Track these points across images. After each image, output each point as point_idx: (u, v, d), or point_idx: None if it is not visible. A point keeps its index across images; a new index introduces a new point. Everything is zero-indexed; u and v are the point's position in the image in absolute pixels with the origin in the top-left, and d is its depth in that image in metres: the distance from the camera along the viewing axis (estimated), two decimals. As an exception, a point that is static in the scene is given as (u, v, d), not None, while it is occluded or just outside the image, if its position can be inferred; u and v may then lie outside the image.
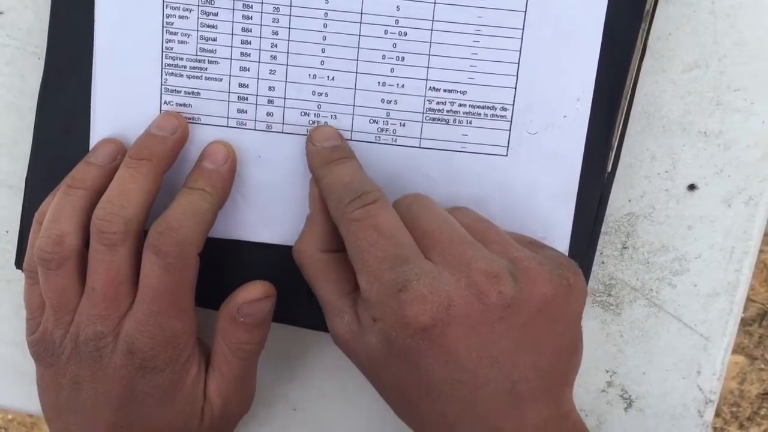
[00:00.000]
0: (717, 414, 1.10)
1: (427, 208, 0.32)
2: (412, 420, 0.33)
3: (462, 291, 0.29)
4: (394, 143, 0.35)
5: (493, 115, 0.35)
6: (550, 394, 0.31)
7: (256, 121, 0.36)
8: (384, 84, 0.35)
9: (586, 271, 0.37)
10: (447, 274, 0.30)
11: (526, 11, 0.34)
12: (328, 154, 0.34)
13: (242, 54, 0.35)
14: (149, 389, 0.34)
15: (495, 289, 0.29)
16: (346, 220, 0.31)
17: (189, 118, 0.35)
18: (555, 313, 0.31)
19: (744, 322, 1.09)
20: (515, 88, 0.35)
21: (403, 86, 0.35)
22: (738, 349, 1.10)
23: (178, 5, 0.34)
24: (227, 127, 0.36)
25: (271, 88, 0.35)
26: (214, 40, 0.35)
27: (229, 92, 0.35)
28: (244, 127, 0.36)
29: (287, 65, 0.35)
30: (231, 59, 0.35)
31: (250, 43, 0.35)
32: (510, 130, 0.35)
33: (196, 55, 0.35)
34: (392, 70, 0.35)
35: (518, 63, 0.35)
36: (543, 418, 0.31)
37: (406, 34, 0.34)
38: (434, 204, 0.33)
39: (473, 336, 0.29)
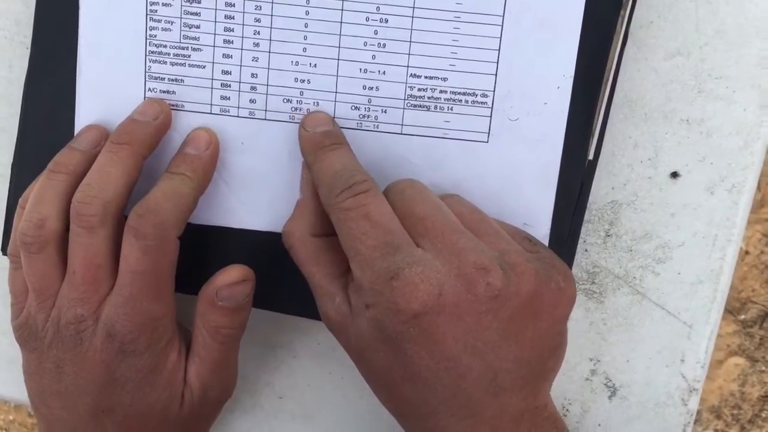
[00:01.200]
0: (718, 416, 1.10)
1: (420, 195, 0.32)
2: (393, 405, 0.33)
3: (452, 280, 0.30)
4: (376, 129, 0.36)
5: (474, 102, 0.35)
6: (528, 386, 0.31)
7: (239, 107, 0.36)
8: (365, 71, 0.35)
9: (569, 258, 0.37)
10: (438, 263, 0.30)
11: (505, -2, 0.34)
12: (319, 140, 0.35)
13: (225, 41, 0.35)
14: (129, 373, 0.34)
15: (484, 281, 0.30)
16: (337, 208, 0.32)
17: (173, 105, 0.36)
18: (540, 311, 0.31)
19: (745, 324, 1.09)
20: (496, 75, 0.35)
21: (384, 73, 0.35)
22: (739, 351, 1.09)
23: (161, -7, 0.35)
24: (210, 113, 0.36)
25: (253, 75, 0.35)
26: (198, 27, 0.35)
27: (212, 79, 0.36)
28: (227, 113, 0.36)
29: (270, 52, 0.35)
30: (214, 46, 0.35)
31: (233, 30, 0.35)
32: (491, 116, 0.35)
33: (180, 42, 0.35)
34: (374, 57, 0.35)
35: (498, 50, 0.35)
36: (520, 409, 0.31)
37: (387, 21, 0.35)
38: (428, 190, 0.33)
39: (460, 325, 0.30)
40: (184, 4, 0.35)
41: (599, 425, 0.40)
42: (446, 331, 0.30)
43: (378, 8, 0.35)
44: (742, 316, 1.09)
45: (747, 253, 1.08)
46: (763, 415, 1.10)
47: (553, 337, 0.32)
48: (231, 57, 0.35)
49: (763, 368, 1.09)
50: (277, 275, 0.37)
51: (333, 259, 0.33)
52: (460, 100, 0.35)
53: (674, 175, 0.38)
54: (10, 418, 1.11)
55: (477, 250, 0.30)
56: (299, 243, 0.34)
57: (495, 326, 0.30)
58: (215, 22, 0.35)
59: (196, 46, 0.35)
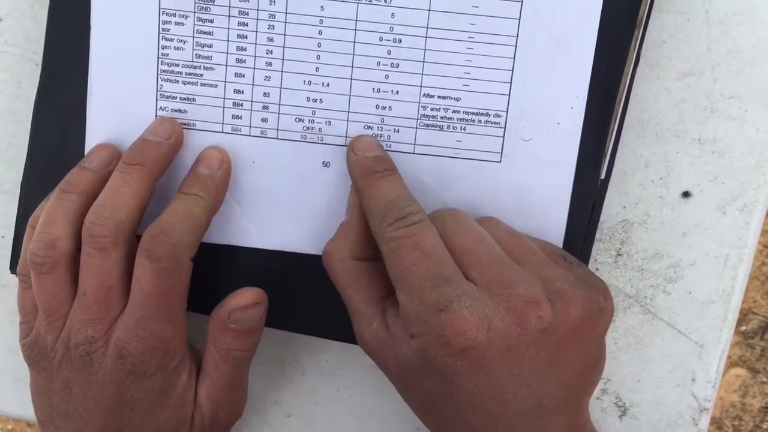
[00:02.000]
0: (719, 427, 1.10)
1: (462, 224, 0.32)
2: (434, 425, 0.33)
3: (502, 314, 0.30)
4: (388, 149, 0.36)
5: (487, 122, 0.35)
6: (571, 405, 0.32)
7: (250, 126, 0.36)
8: (378, 90, 0.35)
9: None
10: (486, 296, 0.30)
11: (520, 19, 0.34)
12: (371, 165, 0.34)
13: (237, 60, 0.35)
14: (139, 395, 0.34)
15: (534, 314, 0.30)
16: (388, 237, 0.32)
17: (184, 124, 0.36)
18: (585, 334, 0.31)
19: (746, 335, 1.09)
20: (509, 95, 0.35)
21: (397, 92, 0.35)
22: (740, 362, 1.09)
23: (174, 12, 0.35)
24: (222, 132, 0.36)
25: (266, 95, 0.35)
26: (210, 46, 0.35)
27: (224, 98, 0.35)
28: (238, 132, 0.36)
29: (282, 71, 0.35)
30: (226, 65, 0.35)
31: (245, 49, 0.35)
32: (504, 136, 0.35)
33: (192, 61, 0.35)
34: (387, 76, 0.35)
35: (512, 70, 0.35)
36: (563, 428, 0.32)
37: (400, 41, 0.35)
38: (468, 219, 0.33)
39: (508, 357, 0.30)
40: (196, 23, 0.35)
41: (610, 445, 0.40)
42: (494, 363, 0.30)
43: (391, 28, 0.34)
44: (743, 328, 1.09)
45: (747, 263, 1.08)
46: (764, 426, 1.10)
47: (594, 354, 0.33)
48: (243, 76, 0.35)
49: (764, 379, 1.09)
50: (287, 294, 0.37)
51: (372, 283, 0.33)
52: (473, 120, 0.35)
53: (686, 194, 0.38)
54: (9, 427, 1.11)
55: (525, 283, 0.31)
56: (339, 265, 0.34)
57: (542, 355, 0.31)
58: (228, 41, 0.35)
59: (209, 65, 0.35)
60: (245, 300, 0.34)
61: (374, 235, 0.33)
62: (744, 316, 1.09)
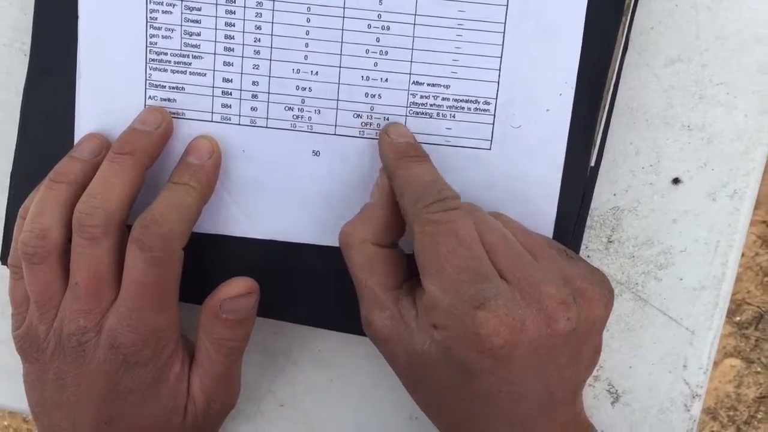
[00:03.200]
0: (714, 418, 1.10)
1: (483, 220, 0.32)
2: (442, 419, 0.33)
3: (534, 316, 0.30)
4: (378, 137, 0.36)
5: (476, 109, 0.35)
6: (575, 396, 0.33)
7: (240, 115, 0.36)
8: (367, 78, 0.35)
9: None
10: (519, 296, 0.30)
11: (507, 5, 0.34)
12: (405, 149, 0.34)
13: (226, 49, 0.35)
14: (132, 384, 0.34)
15: (564, 316, 0.30)
16: (425, 219, 0.31)
17: (173, 113, 0.36)
18: (599, 329, 0.32)
19: (740, 326, 1.09)
20: (498, 82, 0.35)
21: (386, 80, 0.35)
22: (734, 352, 1.10)
23: (161, 0, 0.35)
24: (212, 121, 0.36)
25: (254, 83, 0.35)
26: (198, 35, 0.35)
27: (213, 87, 0.35)
28: (228, 121, 0.36)
29: (271, 60, 0.35)
30: (215, 54, 0.35)
31: (233, 38, 0.35)
32: (493, 123, 0.35)
33: (180, 50, 0.35)
34: (375, 64, 0.35)
35: (501, 57, 0.35)
36: (566, 419, 0.32)
37: (389, 29, 0.35)
38: (487, 215, 0.33)
39: (534, 357, 0.30)
40: (184, 11, 0.35)
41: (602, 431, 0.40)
42: (520, 362, 0.30)
43: (380, 15, 0.34)
44: (738, 318, 1.09)
45: (742, 255, 1.08)
46: (759, 416, 1.10)
47: (597, 346, 0.33)
48: (232, 65, 0.35)
49: (759, 369, 1.10)
50: (278, 284, 0.37)
51: (389, 270, 0.33)
52: (463, 108, 0.35)
53: (676, 181, 0.38)
54: (5, 423, 1.11)
55: (554, 284, 0.31)
56: (357, 247, 0.33)
57: (566, 353, 0.31)
58: (216, 29, 0.35)
59: (197, 54, 0.35)
60: (237, 289, 0.34)
61: (407, 216, 0.32)
62: (738, 306, 1.09)
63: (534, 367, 0.30)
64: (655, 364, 0.39)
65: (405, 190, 0.32)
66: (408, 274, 0.33)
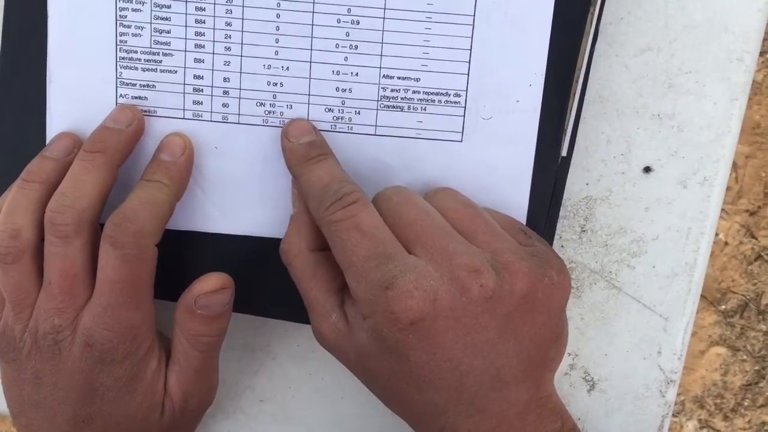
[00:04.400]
0: (701, 406, 1.11)
1: (407, 200, 0.33)
2: (402, 410, 0.34)
3: (446, 285, 0.30)
4: (349, 131, 0.36)
5: (447, 102, 0.35)
6: (531, 378, 0.32)
7: (212, 112, 0.36)
8: (338, 73, 0.35)
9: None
10: (431, 268, 0.30)
11: (475, -3, 0.34)
12: (304, 152, 0.34)
13: (196, 45, 0.35)
14: (109, 382, 0.34)
15: (477, 283, 0.30)
16: (328, 221, 0.32)
17: (145, 111, 0.36)
18: (536, 306, 0.32)
19: (725, 314, 1.10)
20: (468, 74, 0.35)
21: (357, 74, 0.35)
22: (720, 341, 1.10)
23: (131, -2, 0.35)
24: (183, 119, 0.36)
25: (225, 79, 0.35)
26: (168, 32, 0.35)
27: (184, 84, 0.35)
28: (200, 118, 0.36)
29: (241, 56, 0.35)
30: (185, 51, 0.35)
31: (203, 34, 0.35)
32: (464, 116, 0.36)
33: (151, 47, 0.35)
34: (346, 58, 0.35)
35: (470, 49, 0.35)
36: (524, 401, 0.32)
37: (358, 23, 0.35)
38: (414, 195, 0.33)
39: (458, 327, 0.30)
40: (153, 8, 0.35)
41: (579, 419, 0.40)
42: (445, 334, 0.30)
43: (349, 10, 0.35)
44: (723, 307, 1.10)
45: (726, 244, 1.09)
46: (746, 403, 1.11)
47: (552, 329, 0.33)
48: (203, 61, 0.35)
49: (745, 357, 1.10)
50: (254, 279, 0.37)
51: (330, 274, 0.33)
52: (433, 100, 0.35)
53: (647, 169, 0.38)
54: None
55: (468, 253, 0.31)
56: (296, 259, 0.34)
57: (492, 325, 0.31)
58: (186, 26, 0.35)
59: (167, 51, 0.35)
60: (211, 285, 0.34)
61: (316, 221, 0.33)
62: (723, 295, 1.10)
63: (463, 340, 0.30)
64: (629, 352, 0.39)
65: (308, 197, 0.33)
66: None
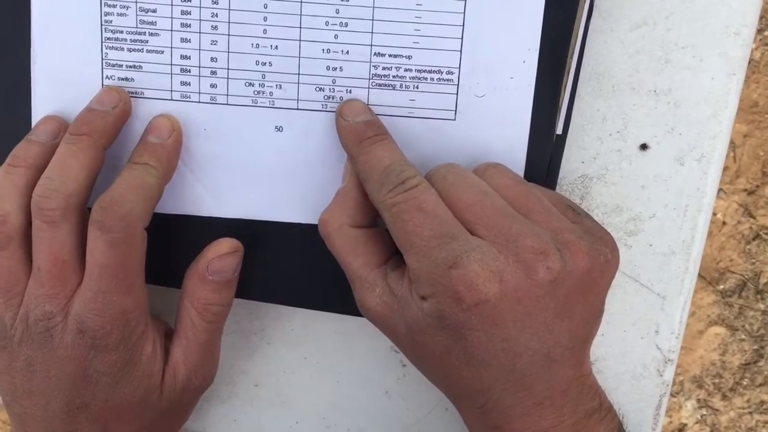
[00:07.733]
0: (700, 386, 1.11)
1: (463, 180, 0.32)
2: (446, 383, 0.34)
3: (512, 267, 0.30)
4: (335, 119, 0.35)
5: (439, 79, 0.35)
6: (576, 356, 0.32)
7: (200, 93, 0.35)
8: (328, 51, 0.35)
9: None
10: (495, 249, 0.30)
11: (467, -28, 0.34)
12: (362, 131, 0.34)
13: (183, 25, 0.34)
14: (103, 368, 0.33)
15: (543, 265, 0.30)
16: (390, 203, 0.32)
17: (132, 92, 0.35)
18: (591, 285, 0.32)
19: (724, 294, 1.10)
20: (460, 51, 0.35)
21: (347, 53, 0.35)
22: (719, 320, 1.10)
23: (115, -23, 0.34)
24: (171, 100, 0.35)
25: (213, 59, 0.35)
26: (154, 11, 0.34)
27: (171, 64, 0.35)
28: (188, 99, 0.35)
29: (229, 35, 0.34)
30: (172, 30, 0.34)
31: (190, 13, 0.34)
32: (457, 93, 0.35)
33: (136, 27, 0.34)
34: (336, 36, 0.34)
35: (462, 26, 0.34)
36: (568, 378, 0.32)
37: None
38: (468, 173, 0.33)
39: (519, 309, 0.30)
40: (139, -12, 0.34)
41: (577, 399, 0.40)
42: (506, 316, 0.30)
43: (338, -14, 0.34)
44: (721, 286, 1.10)
45: (724, 223, 1.09)
46: (744, 383, 1.11)
47: (598, 306, 0.33)
48: (189, 41, 0.35)
49: (743, 337, 1.10)
50: (246, 263, 0.36)
51: (371, 249, 0.33)
52: (426, 78, 0.35)
53: (643, 147, 0.37)
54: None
55: (533, 235, 0.31)
56: (337, 233, 0.34)
57: (552, 306, 0.31)
58: (172, 5, 0.34)
59: (153, 31, 0.34)
60: (224, 248, 0.35)
61: (374, 202, 0.33)
62: (721, 274, 1.09)
63: (523, 321, 0.30)
64: (627, 331, 0.39)
65: (367, 177, 0.33)
66: (393, 249, 0.34)
